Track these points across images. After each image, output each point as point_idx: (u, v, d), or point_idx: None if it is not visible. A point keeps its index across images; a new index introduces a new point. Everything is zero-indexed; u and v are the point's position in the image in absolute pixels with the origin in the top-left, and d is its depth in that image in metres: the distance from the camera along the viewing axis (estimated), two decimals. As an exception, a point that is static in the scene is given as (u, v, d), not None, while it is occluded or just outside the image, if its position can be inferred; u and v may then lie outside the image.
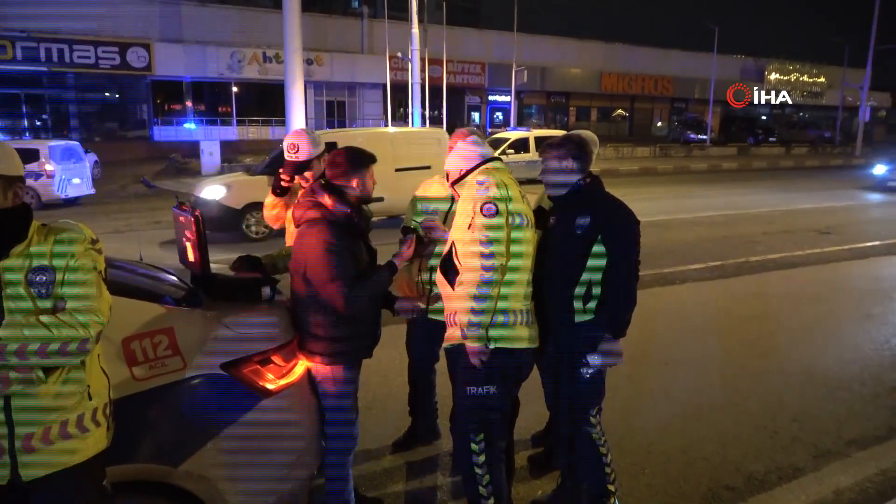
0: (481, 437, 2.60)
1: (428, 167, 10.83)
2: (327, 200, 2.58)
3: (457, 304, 2.51)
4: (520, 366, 2.66)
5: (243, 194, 10.05)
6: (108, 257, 1.94)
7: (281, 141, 3.82)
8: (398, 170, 10.28)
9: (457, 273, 2.50)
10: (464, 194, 2.61)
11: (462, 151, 2.74)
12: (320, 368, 2.63)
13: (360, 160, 2.67)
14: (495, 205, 2.45)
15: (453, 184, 2.77)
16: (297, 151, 3.05)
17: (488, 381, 2.56)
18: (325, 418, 2.68)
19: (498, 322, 2.52)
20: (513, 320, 2.54)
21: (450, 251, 2.59)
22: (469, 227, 2.46)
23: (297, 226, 2.65)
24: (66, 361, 1.70)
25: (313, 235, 2.51)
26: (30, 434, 1.69)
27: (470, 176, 2.67)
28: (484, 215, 2.43)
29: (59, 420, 1.73)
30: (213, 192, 10.15)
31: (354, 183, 2.64)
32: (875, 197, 17.09)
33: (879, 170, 18.09)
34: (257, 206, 9.65)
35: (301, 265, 2.56)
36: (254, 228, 10.02)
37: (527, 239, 2.58)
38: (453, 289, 2.53)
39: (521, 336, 2.58)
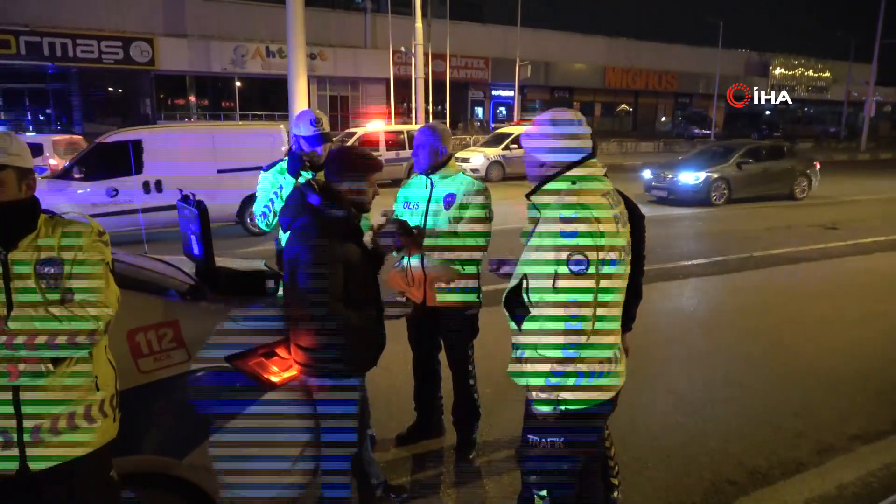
0: (545, 492, 2.22)
1: (260, 167, 10.01)
2: (317, 201, 2.44)
3: (529, 367, 2.07)
4: (596, 418, 2.21)
5: None
6: (113, 250, 1.95)
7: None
8: (221, 171, 9.63)
9: (526, 311, 2.08)
10: (544, 221, 2.02)
11: (540, 137, 2.07)
12: (310, 381, 2.50)
13: (358, 164, 2.52)
14: (586, 256, 1.90)
15: (529, 195, 2.13)
16: (322, 125, 3.23)
17: (554, 433, 2.14)
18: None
19: (570, 382, 2.04)
20: (588, 377, 2.06)
21: (518, 284, 2.11)
22: (553, 284, 1.94)
23: (287, 229, 2.52)
24: (75, 352, 1.72)
25: (304, 243, 2.38)
26: (38, 425, 1.71)
27: (551, 187, 2.05)
28: (571, 271, 1.90)
29: (67, 411, 1.75)
30: None
31: (347, 187, 2.48)
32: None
33: (646, 174, 15.06)
34: None
35: (290, 271, 2.42)
36: None
37: (619, 276, 2.05)
38: (520, 329, 2.12)
39: (598, 391, 2.11)
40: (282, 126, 10.95)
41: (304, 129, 3.24)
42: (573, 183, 2.01)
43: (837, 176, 19.56)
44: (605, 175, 2.16)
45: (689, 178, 13.85)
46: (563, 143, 2.02)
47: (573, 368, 2.01)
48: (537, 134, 2.07)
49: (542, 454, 2.17)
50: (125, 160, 9.30)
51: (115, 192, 9.14)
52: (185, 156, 9.53)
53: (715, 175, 13.88)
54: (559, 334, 1.92)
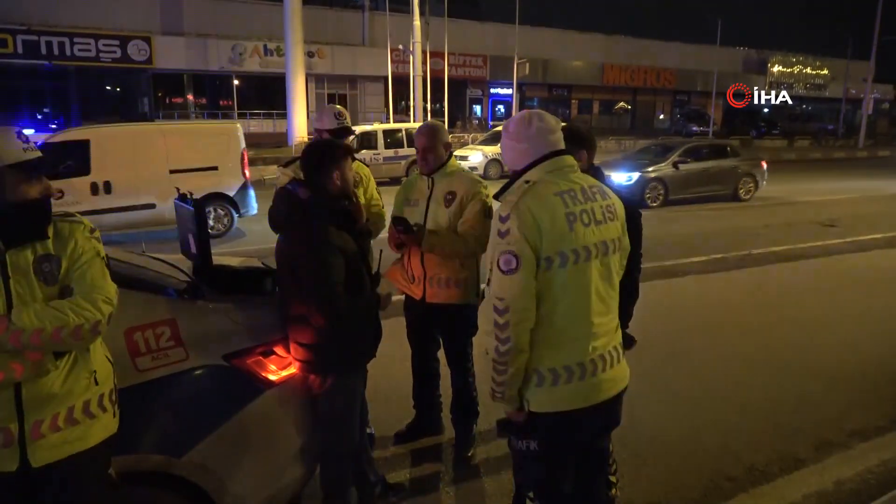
0: (532, 494, 2.17)
1: (213, 168, 9.63)
2: (305, 194, 2.45)
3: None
4: (575, 425, 2.06)
5: None
6: (110, 250, 1.95)
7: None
8: (173, 171, 9.20)
9: None
10: (493, 221, 2.03)
11: (504, 148, 2.13)
12: (310, 378, 2.49)
13: (339, 153, 2.54)
14: (516, 256, 1.87)
15: (496, 197, 2.16)
16: (345, 118, 3.41)
17: (528, 435, 2.09)
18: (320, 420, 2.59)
19: (531, 383, 1.99)
20: (552, 380, 1.97)
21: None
22: (488, 282, 1.96)
23: (279, 226, 2.53)
24: (78, 346, 1.74)
25: (303, 235, 2.39)
26: (39, 421, 1.71)
27: (511, 190, 2.05)
28: (501, 270, 1.88)
29: (66, 406, 1.75)
30: None
31: (335, 177, 2.50)
32: None
33: None
34: None
35: (289, 268, 2.43)
36: None
37: (580, 277, 1.95)
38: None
39: (569, 396, 1.99)
40: (238, 125, 10.61)
41: (329, 123, 3.35)
42: (527, 182, 2.02)
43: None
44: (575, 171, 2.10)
45: (622, 178, 12.95)
46: (511, 148, 2.09)
47: (532, 370, 1.98)
48: (502, 151, 2.16)
49: (521, 455, 2.15)
50: (72, 161, 8.93)
51: (60, 195, 8.67)
52: (136, 156, 9.17)
53: (651, 175, 13.12)
54: (490, 332, 1.94)
